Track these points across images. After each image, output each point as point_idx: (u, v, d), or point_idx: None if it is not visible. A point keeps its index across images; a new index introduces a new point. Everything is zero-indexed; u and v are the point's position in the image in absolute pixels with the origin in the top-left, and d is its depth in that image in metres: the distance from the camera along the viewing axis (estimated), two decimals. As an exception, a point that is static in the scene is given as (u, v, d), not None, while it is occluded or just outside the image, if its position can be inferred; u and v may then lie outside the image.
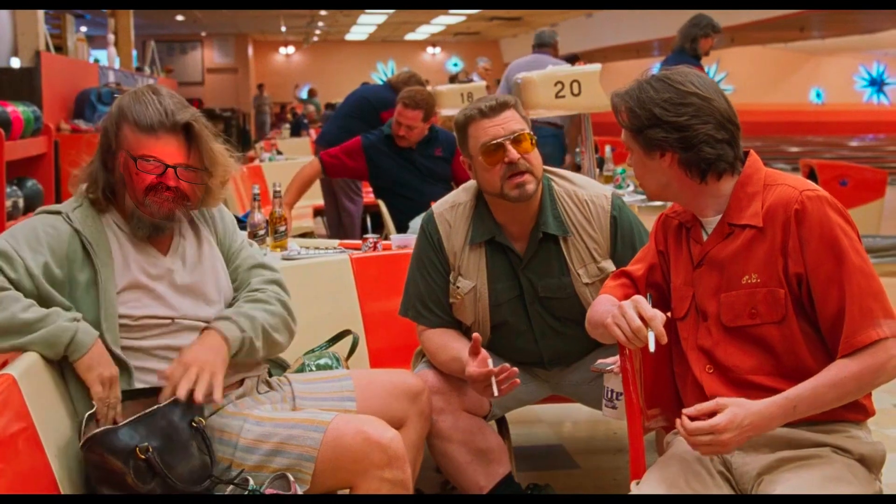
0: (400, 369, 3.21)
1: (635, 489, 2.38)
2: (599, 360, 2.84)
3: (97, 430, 2.35)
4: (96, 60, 10.11)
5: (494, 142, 3.07)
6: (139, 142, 2.59)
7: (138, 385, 2.56)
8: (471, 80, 10.89)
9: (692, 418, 2.24)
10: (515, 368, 2.91)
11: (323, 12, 24.30)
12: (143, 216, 2.62)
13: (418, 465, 2.94)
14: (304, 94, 27.43)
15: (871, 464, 2.38)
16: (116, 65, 10.37)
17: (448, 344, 3.17)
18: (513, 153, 3.06)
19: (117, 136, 2.62)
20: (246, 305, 2.75)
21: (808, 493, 2.21)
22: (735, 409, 2.22)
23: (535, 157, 3.11)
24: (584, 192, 3.22)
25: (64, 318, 2.47)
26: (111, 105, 2.73)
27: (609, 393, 2.80)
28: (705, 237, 2.48)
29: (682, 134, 2.39)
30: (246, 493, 2.45)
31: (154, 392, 2.52)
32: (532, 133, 3.12)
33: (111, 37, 11.07)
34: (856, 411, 2.38)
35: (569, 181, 3.25)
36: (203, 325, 2.69)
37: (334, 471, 2.55)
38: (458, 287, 3.20)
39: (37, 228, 2.56)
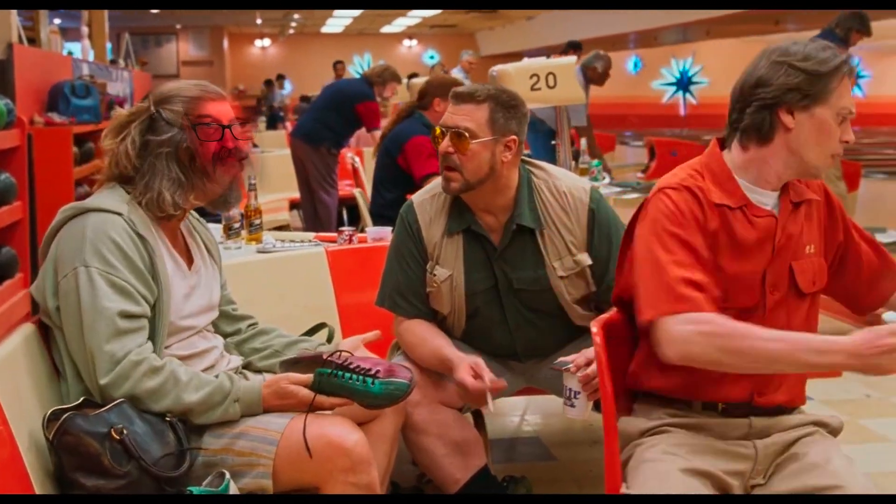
0: (333, 419, 3.16)
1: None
2: (560, 359, 2.84)
3: (72, 413, 2.34)
4: (70, 53, 10.03)
5: (440, 127, 3.11)
6: (199, 106, 2.66)
7: None
8: (447, 73, 10.88)
9: None
10: (505, 383, 2.94)
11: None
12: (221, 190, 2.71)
13: (393, 458, 2.93)
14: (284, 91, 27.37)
15: (837, 432, 2.61)
16: (90, 57, 10.29)
17: (428, 339, 3.17)
18: (443, 145, 3.09)
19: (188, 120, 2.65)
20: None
21: (824, 454, 2.42)
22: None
23: (470, 160, 3.07)
24: (563, 183, 3.22)
25: (225, 395, 2.54)
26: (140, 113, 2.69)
27: (568, 391, 2.81)
28: (773, 211, 2.47)
29: None
30: (219, 488, 2.43)
31: None
32: (479, 137, 3.07)
33: (85, 29, 10.98)
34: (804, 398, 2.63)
35: (548, 173, 3.25)
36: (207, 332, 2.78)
37: (298, 469, 2.51)
38: (434, 275, 3.19)
39: (115, 240, 2.51)
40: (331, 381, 2.57)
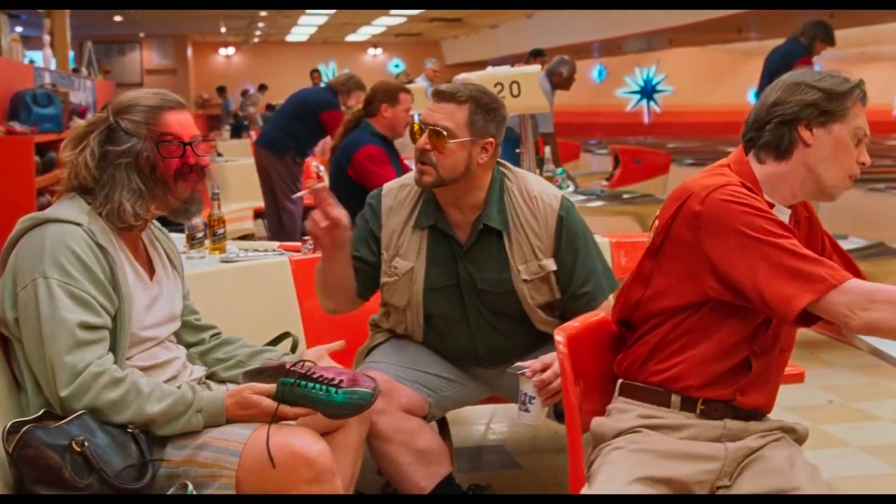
0: (296, 429, 3.13)
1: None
2: (517, 363, 2.85)
3: (31, 425, 2.32)
4: (31, 61, 9.98)
5: (419, 123, 3.15)
6: (166, 122, 2.65)
7: None
8: (411, 82, 10.89)
9: None
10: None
11: (263, 13, 24.16)
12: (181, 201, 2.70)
13: (357, 468, 2.93)
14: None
15: (803, 439, 2.65)
16: (52, 66, 10.23)
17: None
18: (421, 141, 3.12)
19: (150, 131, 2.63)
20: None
21: (788, 460, 2.47)
22: None
23: (446, 158, 3.09)
24: (535, 188, 3.24)
25: (187, 405, 2.52)
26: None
27: (523, 396, 2.82)
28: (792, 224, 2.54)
29: None
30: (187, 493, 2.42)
31: None
32: (457, 137, 3.09)
33: (47, 37, 10.92)
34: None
35: (521, 177, 3.28)
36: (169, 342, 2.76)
37: (261, 479, 2.49)
38: (395, 267, 3.21)
39: (75, 251, 2.49)
40: (294, 390, 2.56)
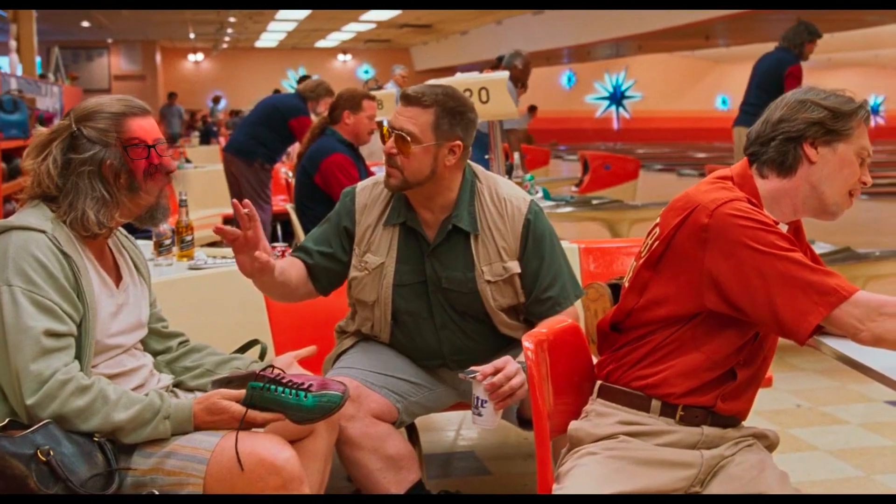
0: (264, 436, 3.09)
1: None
2: (470, 367, 2.85)
3: None
4: (-2, 67, 9.92)
5: (386, 127, 3.15)
6: (130, 128, 2.64)
7: None
8: (380, 88, 10.89)
9: None
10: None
11: (232, 18, 24.11)
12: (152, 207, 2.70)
13: (327, 474, 2.92)
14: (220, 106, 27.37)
15: (774, 445, 2.66)
16: (19, 72, 10.17)
17: (285, 266, 3.21)
18: (388, 145, 3.14)
19: (114, 138, 2.62)
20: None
21: (759, 465, 2.49)
22: None
23: (411, 162, 3.11)
24: (504, 190, 3.26)
25: (155, 412, 2.49)
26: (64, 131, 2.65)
27: (476, 400, 2.82)
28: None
29: None
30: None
31: None
32: (421, 142, 3.09)
33: (13, 43, 10.87)
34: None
35: (492, 180, 3.30)
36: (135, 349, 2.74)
37: (229, 487, 2.47)
38: (365, 262, 3.22)
39: (39, 258, 2.47)
40: (263, 395, 2.54)
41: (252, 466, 2.46)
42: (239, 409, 2.53)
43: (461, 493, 3.54)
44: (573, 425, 2.58)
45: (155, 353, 2.88)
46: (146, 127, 2.68)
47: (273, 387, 2.54)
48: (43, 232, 2.51)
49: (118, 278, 2.72)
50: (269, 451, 2.50)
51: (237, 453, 2.45)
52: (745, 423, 2.63)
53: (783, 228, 2.48)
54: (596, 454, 2.47)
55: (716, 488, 2.47)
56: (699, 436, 2.50)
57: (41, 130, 2.69)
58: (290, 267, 3.22)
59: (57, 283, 2.47)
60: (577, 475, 2.43)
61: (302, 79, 11.08)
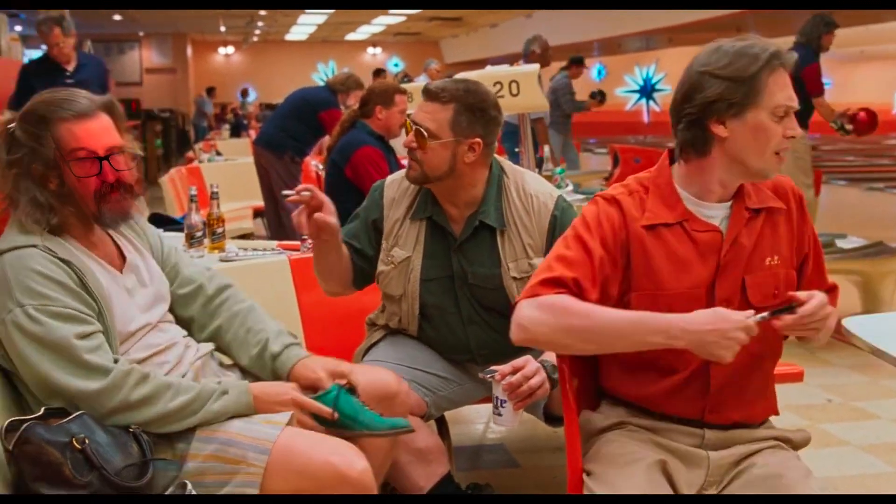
0: (376, 366, 3.07)
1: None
2: (490, 367, 2.84)
3: (32, 423, 2.30)
4: (31, 60, 9.96)
5: (408, 120, 3.18)
6: (71, 134, 2.51)
7: None
8: (411, 80, 10.89)
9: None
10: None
11: (263, 11, 24.15)
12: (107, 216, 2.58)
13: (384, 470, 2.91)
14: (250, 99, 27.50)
15: (801, 446, 2.57)
16: (52, 65, 10.20)
17: None
18: (408, 139, 3.16)
19: (50, 142, 2.50)
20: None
21: (781, 466, 2.40)
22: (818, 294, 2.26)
23: (429, 158, 3.12)
24: (531, 186, 3.25)
25: (210, 395, 2.50)
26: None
27: (496, 400, 2.81)
28: (720, 225, 2.41)
29: None
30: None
31: None
32: (438, 138, 3.11)
33: (46, 36, 10.89)
34: (775, 409, 2.60)
35: (519, 175, 3.29)
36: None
37: (294, 488, 2.45)
38: (392, 256, 3.23)
39: (39, 271, 2.43)
40: (349, 397, 2.61)
41: (325, 476, 2.44)
42: (302, 397, 2.57)
43: (490, 486, 3.54)
44: (584, 415, 2.56)
45: (188, 321, 2.85)
46: (94, 131, 2.54)
47: (353, 399, 2.62)
48: (34, 246, 2.47)
49: (123, 260, 2.67)
50: (344, 461, 2.47)
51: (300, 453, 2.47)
52: (775, 423, 2.58)
53: (720, 208, 2.41)
54: (613, 441, 2.47)
55: (736, 491, 2.41)
56: (700, 438, 2.46)
57: None
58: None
59: (66, 288, 2.45)
60: (605, 456, 2.43)
61: (378, 72, 11.25)
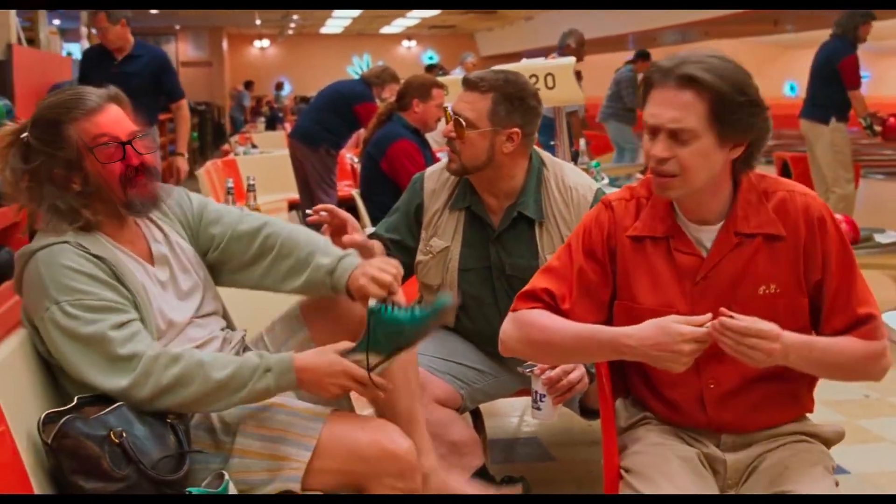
0: (384, 424, 2.73)
1: (642, 489, 2.30)
2: (528, 361, 2.84)
3: (71, 416, 2.32)
4: (69, 54, 10.05)
5: (447, 111, 3.21)
6: (90, 125, 2.51)
7: None
8: (446, 73, 10.89)
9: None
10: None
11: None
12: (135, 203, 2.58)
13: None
14: (284, 92, 27.66)
15: (832, 441, 2.51)
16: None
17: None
18: (447, 128, 3.18)
19: (69, 142, 2.51)
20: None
21: (790, 458, 2.34)
22: (773, 325, 2.15)
23: (468, 148, 3.14)
24: (570, 178, 3.26)
25: (254, 368, 2.46)
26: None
27: (534, 394, 2.82)
28: (700, 248, 2.33)
29: (769, 124, 2.26)
30: (219, 489, 2.42)
31: None
32: (477, 127, 3.12)
33: (84, 30, 10.98)
34: (805, 408, 2.51)
35: (559, 167, 3.30)
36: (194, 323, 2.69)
37: (343, 471, 2.52)
38: (430, 246, 3.26)
39: (71, 266, 2.44)
40: (383, 317, 2.49)
41: (374, 453, 2.51)
42: (354, 367, 2.50)
43: (525, 479, 3.54)
44: (617, 404, 2.58)
45: (247, 263, 2.81)
46: (112, 119, 2.55)
47: (389, 308, 2.52)
48: (65, 242, 2.48)
49: (151, 256, 2.67)
50: (390, 438, 2.55)
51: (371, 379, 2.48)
52: (811, 418, 2.53)
53: (708, 231, 2.33)
54: (640, 440, 2.47)
55: (747, 488, 2.39)
56: (717, 438, 2.43)
57: (4, 130, 2.59)
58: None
59: (99, 280, 2.46)
60: (639, 448, 2.43)
61: (430, 67, 11.29)
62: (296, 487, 2.50)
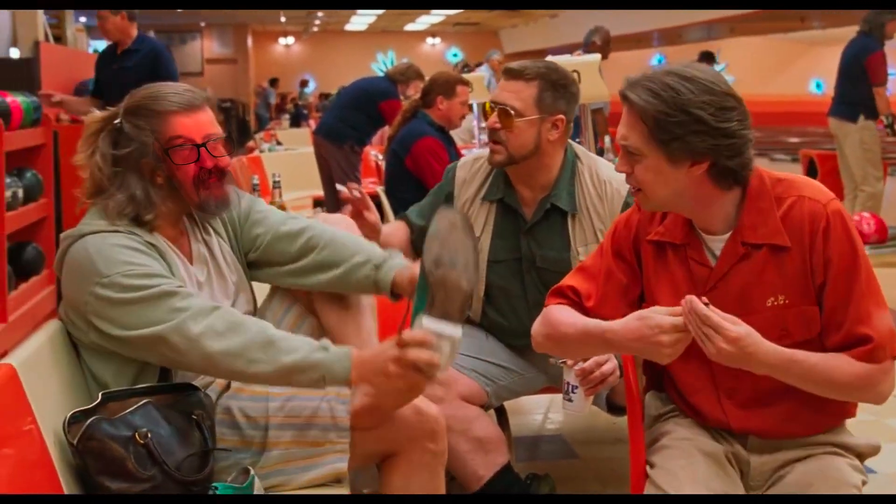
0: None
1: (667, 487, 2.29)
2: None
3: (96, 417, 2.33)
4: (95, 51, 10.08)
5: (489, 101, 3.21)
6: (175, 123, 2.54)
7: (177, 380, 2.56)
8: (471, 70, 10.88)
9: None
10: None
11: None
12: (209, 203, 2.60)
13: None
14: (308, 90, 27.73)
15: (866, 455, 2.43)
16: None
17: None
18: (491, 120, 3.17)
19: (154, 134, 2.53)
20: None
21: (816, 475, 2.29)
22: (750, 333, 2.10)
23: (516, 137, 3.14)
24: (604, 172, 3.26)
25: (312, 345, 2.42)
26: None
27: (566, 386, 2.82)
28: (711, 257, 2.32)
29: (730, 141, 2.18)
30: (244, 484, 2.43)
31: (185, 388, 2.50)
32: (524, 115, 3.13)
33: (110, 27, 11.00)
34: (842, 416, 2.42)
35: (593, 160, 3.31)
36: None
37: (379, 439, 2.60)
38: None
39: (122, 244, 2.45)
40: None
41: (408, 414, 2.61)
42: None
43: (549, 476, 3.54)
44: (648, 396, 2.60)
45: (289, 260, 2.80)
46: (193, 124, 2.57)
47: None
48: (118, 231, 2.49)
49: (192, 255, 2.69)
50: (427, 404, 2.66)
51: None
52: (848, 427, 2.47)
53: (718, 240, 2.31)
54: (668, 433, 2.47)
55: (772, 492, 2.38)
56: (744, 439, 2.41)
57: (92, 118, 2.62)
58: (393, 233, 3.30)
59: (150, 257, 2.47)
60: (665, 443, 2.43)
61: (461, 66, 11.25)
62: (343, 468, 2.54)
